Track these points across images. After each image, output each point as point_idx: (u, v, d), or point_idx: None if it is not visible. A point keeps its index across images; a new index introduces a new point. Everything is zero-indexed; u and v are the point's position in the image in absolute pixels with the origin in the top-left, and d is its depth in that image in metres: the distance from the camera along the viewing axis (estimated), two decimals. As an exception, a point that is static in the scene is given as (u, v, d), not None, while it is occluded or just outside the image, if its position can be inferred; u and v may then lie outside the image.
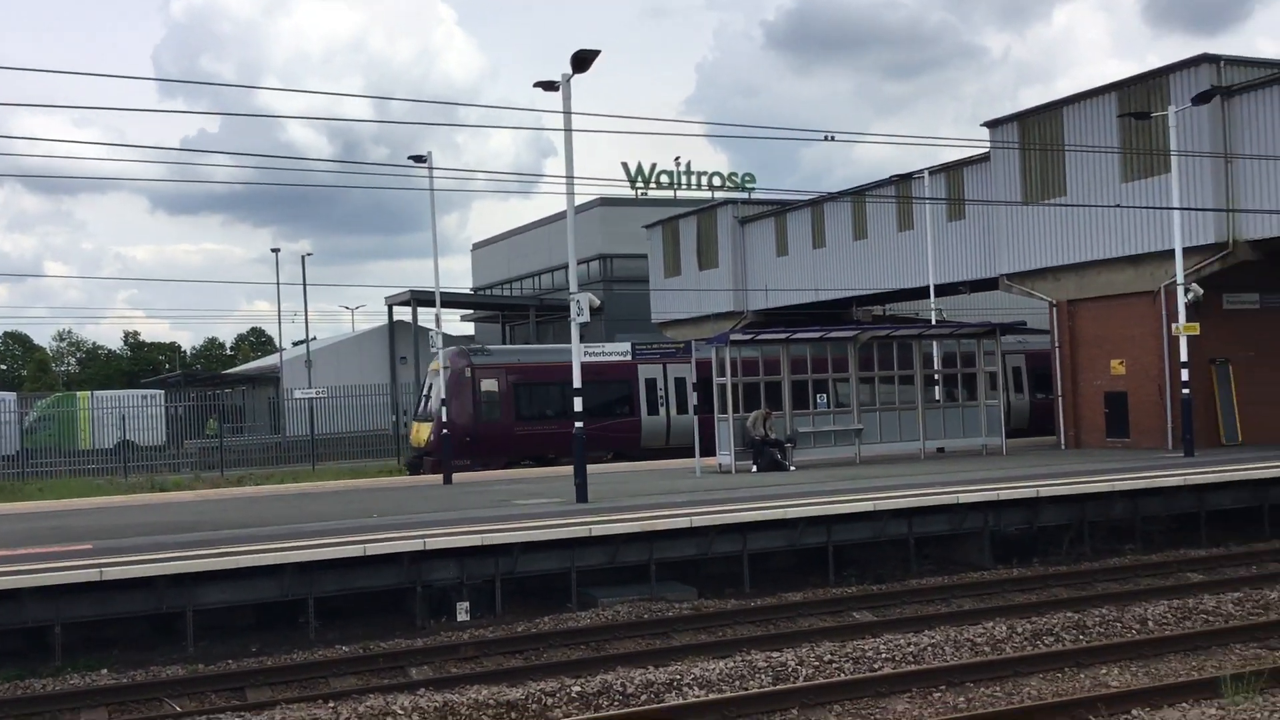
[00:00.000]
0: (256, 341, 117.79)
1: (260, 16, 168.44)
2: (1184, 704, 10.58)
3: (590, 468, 21.76)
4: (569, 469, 22.75)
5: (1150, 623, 14.43)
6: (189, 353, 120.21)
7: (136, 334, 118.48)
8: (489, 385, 33.17)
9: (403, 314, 65.55)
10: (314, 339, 78.35)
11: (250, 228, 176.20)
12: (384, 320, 68.41)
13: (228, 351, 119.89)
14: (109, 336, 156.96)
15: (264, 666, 13.69)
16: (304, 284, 65.98)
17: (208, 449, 49.43)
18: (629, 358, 35.54)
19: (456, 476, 28.11)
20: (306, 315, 65.80)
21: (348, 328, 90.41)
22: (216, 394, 63.68)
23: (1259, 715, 9.77)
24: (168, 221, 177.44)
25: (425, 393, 35.35)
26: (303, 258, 67.68)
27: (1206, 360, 27.75)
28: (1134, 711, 10.44)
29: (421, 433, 34.48)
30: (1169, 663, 12.68)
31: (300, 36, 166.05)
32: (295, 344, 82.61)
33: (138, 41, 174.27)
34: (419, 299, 60.76)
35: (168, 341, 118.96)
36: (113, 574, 14.03)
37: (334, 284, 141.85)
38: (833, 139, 18.63)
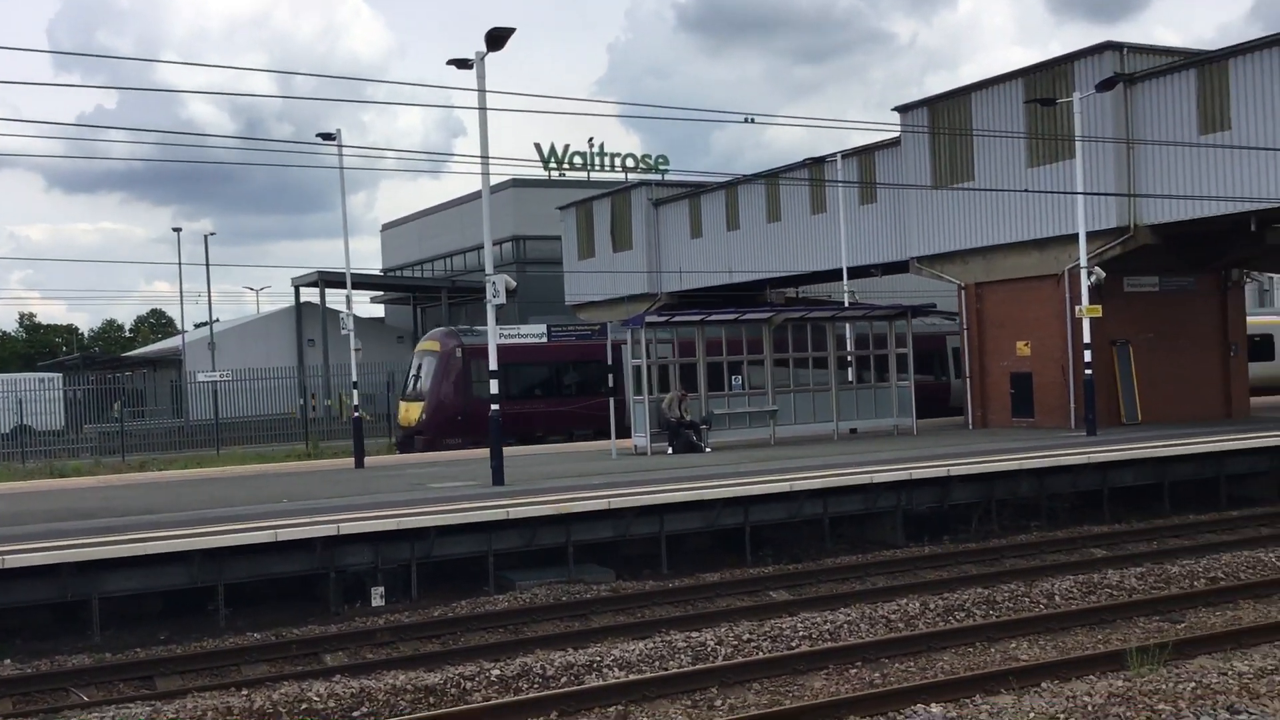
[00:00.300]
0: (157, 324, 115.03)
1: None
2: (1091, 676, 10.83)
3: (506, 450, 21.61)
4: (484, 453, 22.59)
5: (1057, 597, 14.78)
6: (87, 335, 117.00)
7: (32, 315, 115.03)
8: (479, 365, 33.18)
9: (310, 295, 64.55)
10: (217, 320, 76.79)
11: (150, 206, 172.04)
12: (290, 302, 67.34)
13: (127, 334, 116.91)
14: (3, 318, 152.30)
15: (173, 655, 13.37)
16: (207, 264, 64.56)
17: (108, 434, 48.14)
18: (544, 340, 35.59)
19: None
20: (210, 297, 64.55)
21: (252, 309, 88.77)
22: (116, 377, 62.09)
23: (1164, 686, 10.03)
24: (64, 200, 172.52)
25: (415, 373, 36.14)
26: (206, 237, 66.25)
27: (1108, 342, 28.46)
28: (1044, 684, 10.65)
29: (411, 412, 35.42)
30: (1076, 636, 13.00)
31: (200, 11, 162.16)
32: (198, 326, 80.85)
33: (32, 14, 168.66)
34: (327, 280, 59.86)
35: (65, 323, 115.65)
36: (14, 561, 13.59)
37: (238, 264, 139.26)
38: (753, 121, 18.68)
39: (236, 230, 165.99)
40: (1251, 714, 9.03)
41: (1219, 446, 22.12)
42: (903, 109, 32.61)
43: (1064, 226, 27.59)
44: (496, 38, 19.61)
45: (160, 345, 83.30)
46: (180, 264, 62.39)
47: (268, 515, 16.75)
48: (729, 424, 28.13)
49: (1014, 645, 12.66)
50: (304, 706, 10.88)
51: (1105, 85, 25.74)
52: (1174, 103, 26.48)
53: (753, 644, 12.84)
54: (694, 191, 42.37)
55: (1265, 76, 24.68)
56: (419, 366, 35.81)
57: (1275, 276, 57.51)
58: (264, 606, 15.47)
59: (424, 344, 36.67)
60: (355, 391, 28.91)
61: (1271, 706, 9.24)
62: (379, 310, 79.22)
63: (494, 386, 21.25)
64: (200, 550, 14.53)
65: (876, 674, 11.71)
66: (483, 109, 20.48)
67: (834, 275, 35.96)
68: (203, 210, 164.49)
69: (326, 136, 27.19)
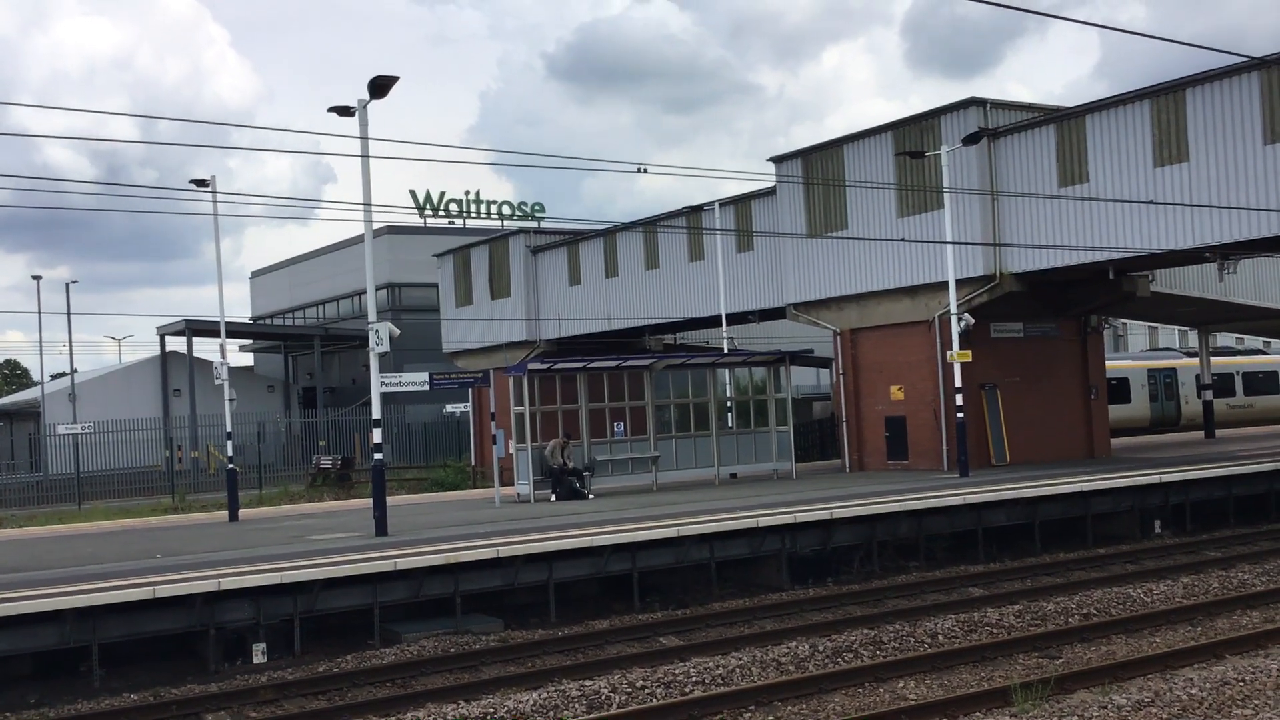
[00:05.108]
0: (11, 374, 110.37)
1: (15, 33, 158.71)
2: (978, 714, 11.11)
3: (389, 500, 21.30)
4: (364, 503, 22.23)
5: (940, 636, 15.12)
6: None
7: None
8: None
9: (175, 344, 62.82)
10: (77, 371, 74.10)
11: (2, 254, 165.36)
12: (153, 351, 65.36)
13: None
14: None
15: (45, 718, 12.78)
16: (69, 312, 62.18)
17: (-40, 490, 45.97)
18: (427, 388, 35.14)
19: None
20: (71, 346, 62.00)
21: (113, 359, 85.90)
22: (-32, 430, 59.31)
23: (1049, 720, 10.34)
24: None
25: None
26: (67, 285, 63.94)
27: (977, 385, 29.39)
28: (934, 722, 10.89)
29: None
30: (961, 674, 13.31)
31: (59, 53, 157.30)
32: (55, 377, 77.85)
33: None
34: (194, 328, 58.37)
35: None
36: None
37: (99, 312, 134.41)
38: (645, 171, 18.90)
39: (96, 278, 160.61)
40: (1132, 744, 9.36)
41: (1085, 486, 22.96)
42: (778, 159, 33.36)
43: (934, 274, 28.47)
44: (380, 86, 19.52)
45: (16, 397, 79.90)
46: (40, 312, 60.19)
47: (141, 571, 16.21)
48: (611, 470, 28.19)
49: (902, 685, 12.90)
50: (189, 769, 10.51)
51: (970, 139, 26.75)
52: (1035, 156, 27.65)
53: (647, 690, 12.84)
54: (572, 239, 42.57)
55: (1120, 132, 25.96)
56: None
57: (1131, 323, 60.25)
58: (140, 666, 14.90)
59: None
60: (229, 442, 28.19)
61: (1150, 736, 9.60)
62: (248, 359, 77.43)
63: (377, 435, 20.95)
64: (73, 609, 13.97)
65: (770, 717, 11.82)
66: (365, 156, 20.32)
67: (713, 321, 36.44)
68: (60, 257, 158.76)
69: (200, 183, 26.63)
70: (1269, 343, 53.36)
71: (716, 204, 35.93)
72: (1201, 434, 41.00)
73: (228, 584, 15.02)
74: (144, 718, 12.88)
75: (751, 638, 15.54)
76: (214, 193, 26.67)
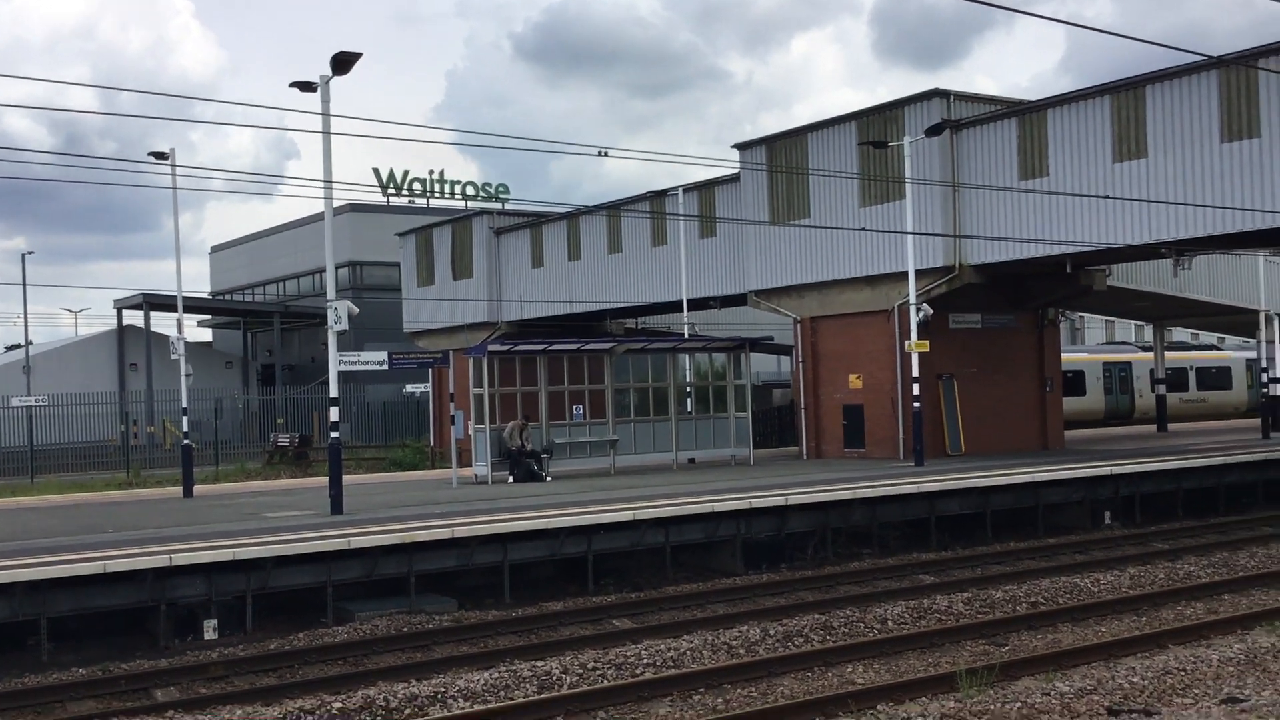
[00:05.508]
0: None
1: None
2: (924, 698, 11.27)
3: (345, 479, 21.24)
4: (320, 481, 22.14)
5: (890, 622, 15.30)
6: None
7: None
8: None
9: (133, 318, 62.20)
10: (32, 343, 73.17)
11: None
12: (110, 324, 64.72)
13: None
14: None
15: (-10, 693, 12.69)
16: (24, 284, 61.44)
17: (-91, 461, 45.32)
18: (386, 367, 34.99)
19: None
20: (26, 318, 61.45)
21: (69, 332, 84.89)
22: (-80, 401, 58.38)
23: (992, 706, 10.51)
24: None
25: None
26: (23, 256, 63.31)
27: (935, 376, 29.63)
28: (879, 706, 11.03)
29: None
30: (908, 660, 13.48)
31: (20, 20, 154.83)
32: (9, 349, 76.87)
33: None
34: (152, 303, 57.78)
35: None
36: None
37: (57, 285, 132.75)
38: (606, 154, 18.89)
39: (53, 250, 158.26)
40: (1072, 730, 9.53)
41: (1037, 477, 23.25)
42: (742, 146, 33.42)
43: (895, 264, 28.65)
44: (343, 62, 19.37)
45: (-32, 368, 78.72)
46: (-6, 283, 59.21)
47: (93, 546, 16.09)
48: (569, 453, 28.22)
49: (850, 669, 13.05)
50: (136, 744, 10.48)
51: (933, 131, 26.91)
52: (996, 149, 27.86)
53: (598, 672, 12.92)
54: (535, 221, 42.48)
55: (1080, 127, 26.20)
56: None
57: (1087, 316, 60.91)
58: (90, 641, 14.82)
59: None
60: (185, 418, 27.95)
61: (1090, 723, 9.78)
62: (206, 334, 76.74)
63: (334, 414, 20.87)
64: (22, 583, 13.86)
65: (719, 700, 11.93)
66: (327, 133, 20.18)
67: (674, 307, 36.50)
68: (17, 228, 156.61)
69: (159, 155, 26.31)
70: (1223, 338, 54.14)
71: (680, 189, 35.95)
72: (1155, 428, 41.57)
73: (180, 560, 14.95)
74: (92, 692, 12.81)
75: (704, 621, 15.65)
76: (173, 165, 26.36)
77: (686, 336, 34.56)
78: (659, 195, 37.10)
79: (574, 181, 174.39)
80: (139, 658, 14.35)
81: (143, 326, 59.83)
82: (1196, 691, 10.93)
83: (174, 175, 26.52)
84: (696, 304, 35.76)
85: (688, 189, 35.86)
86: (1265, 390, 36.30)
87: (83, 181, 33.59)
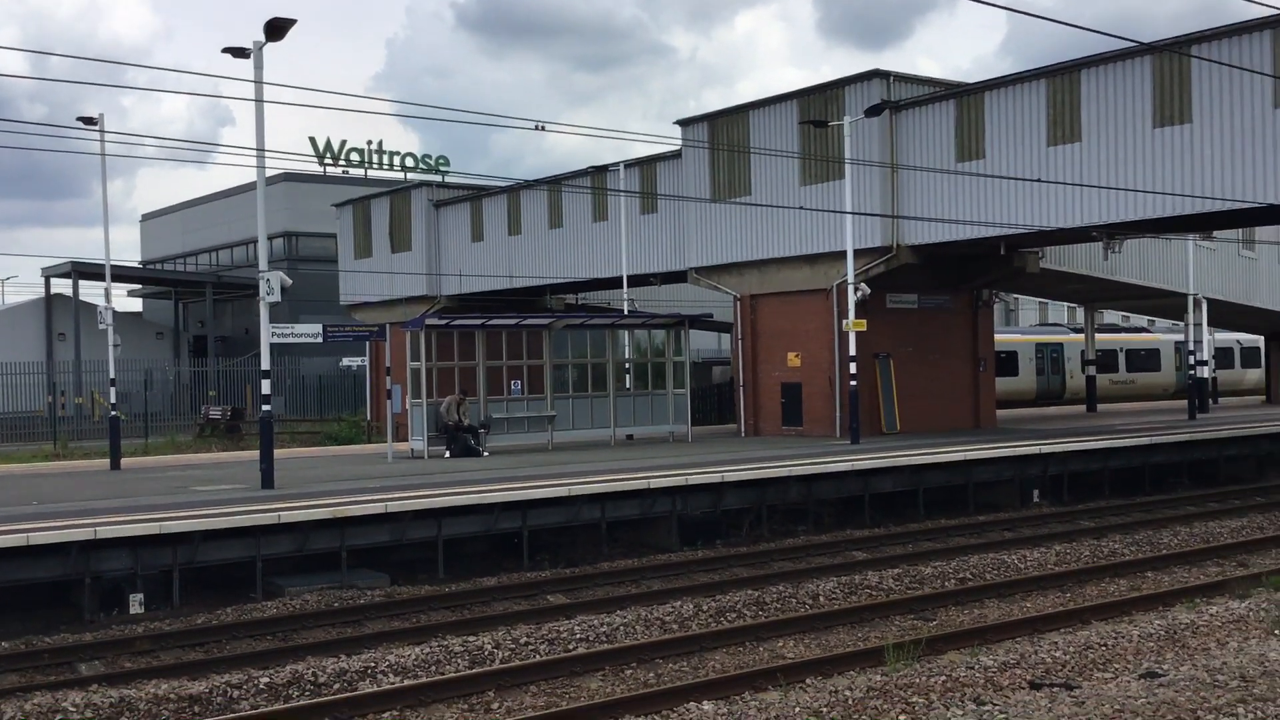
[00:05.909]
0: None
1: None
2: (852, 672, 11.39)
3: (279, 452, 21.00)
4: (251, 455, 21.82)
5: (821, 598, 15.45)
6: None
7: None
8: None
9: (61, 286, 60.98)
10: (-43, 311, 71.48)
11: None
12: (38, 293, 63.39)
13: None
14: None
15: (-93, 668, 12.42)
16: (-52, 251, 60.04)
17: None
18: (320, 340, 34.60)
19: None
20: (-49, 286, 59.84)
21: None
22: None
23: (918, 680, 10.64)
24: None
25: None
26: (-53, 222, 61.54)
27: (871, 355, 29.88)
28: (809, 680, 11.14)
29: None
30: (838, 634, 13.63)
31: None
32: (-66, 316, 74.92)
33: None
34: (81, 271, 56.74)
35: None
36: None
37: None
38: (542, 128, 18.75)
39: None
40: (995, 705, 9.68)
41: (968, 455, 23.56)
42: (684, 123, 33.37)
43: (834, 243, 28.81)
44: (277, 28, 19.02)
45: (-112, 336, 76.76)
46: (-84, 249, 57.76)
47: (17, 518, 15.77)
48: (507, 429, 28.11)
49: (781, 644, 13.17)
50: (59, 718, 10.31)
51: (873, 111, 27.03)
52: (935, 131, 28.07)
53: (530, 647, 12.91)
54: (476, 194, 42.13)
55: (1016, 110, 26.47)
56: None
57: (1021, 298, 61.72)
58: (13, 614, 14.52)
59: None
60: (113, 389, 27.46)
61: (1014, 698, 9.94)
62: (137, 304, 75.44)
63: (265, 386, 20.61)
64: (-60, 556, 13.55)
65: (651, 674, 11.98)
66: (260, 100, 19.83)
67: (615, 283, 36.43)
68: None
69: (87, 120, 25.70)
70: (1153, 321, 55.13)
71: (622, 165, 35.84)
72: (1084, 408, 42.30)
73: (105, 533, 14.71)
74: (15, 666, 12.59)
75: (638, 597, 15.69)
76: (102, 131, 25.78)
77: (626, 313, 34.52)
78: (600, 170, 36.96)
79: (515, 155, 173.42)
80: (63, 631, 14.13)
81: (71, 296, 58.71)
82: (1117, 666, 11.15)
83: (103, 141, 25.95)
84: (637, 280, 35.73)
85: (629, 165, 35.75)
86: (1192, 372, 37.07)
87: (10, 147, 32.79)
